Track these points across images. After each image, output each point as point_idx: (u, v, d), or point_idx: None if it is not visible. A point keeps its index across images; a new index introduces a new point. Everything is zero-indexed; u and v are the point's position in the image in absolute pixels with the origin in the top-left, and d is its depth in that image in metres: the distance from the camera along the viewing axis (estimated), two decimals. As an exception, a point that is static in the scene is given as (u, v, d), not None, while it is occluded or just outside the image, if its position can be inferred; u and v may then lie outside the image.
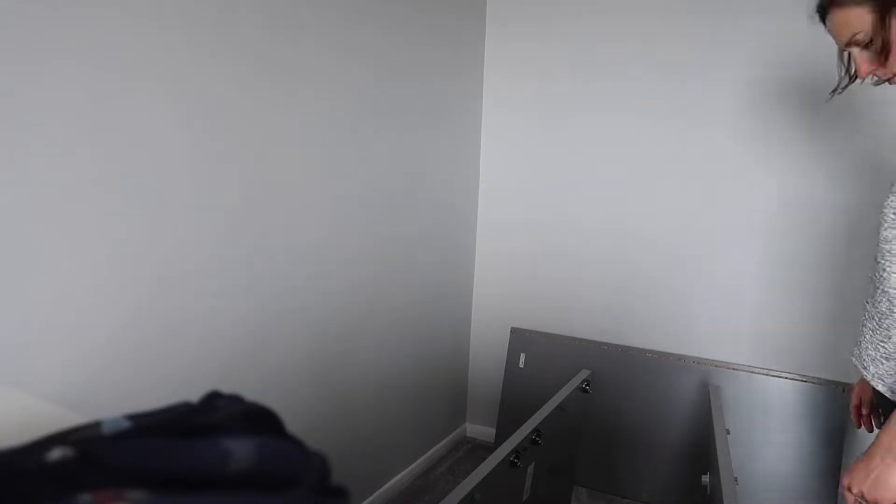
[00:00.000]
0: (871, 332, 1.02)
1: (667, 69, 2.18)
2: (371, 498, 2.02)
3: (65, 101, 1.03)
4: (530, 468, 1.45)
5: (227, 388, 0.36)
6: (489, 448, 2.44)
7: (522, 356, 2.43)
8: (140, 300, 1.20)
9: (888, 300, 0.96)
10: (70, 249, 1.06)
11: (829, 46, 1.01)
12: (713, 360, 2.15)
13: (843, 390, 1.92)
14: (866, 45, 0.93)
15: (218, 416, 0.32)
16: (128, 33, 1.12)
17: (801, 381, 1.99)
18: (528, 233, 2.50)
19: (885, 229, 0.97)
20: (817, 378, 1.99)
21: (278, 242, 1.53)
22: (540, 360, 2.39)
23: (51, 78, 1.01)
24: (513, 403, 2.40)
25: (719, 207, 2.13)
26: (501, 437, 2.37)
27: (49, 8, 0.99)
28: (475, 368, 2.68)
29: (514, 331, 2.48)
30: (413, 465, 2.26)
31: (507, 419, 2.41)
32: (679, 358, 2.16)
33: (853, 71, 1.02)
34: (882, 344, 0.98)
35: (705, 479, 1.88)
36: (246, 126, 1.40)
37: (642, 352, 2.23)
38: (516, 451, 1.32)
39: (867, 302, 1.04)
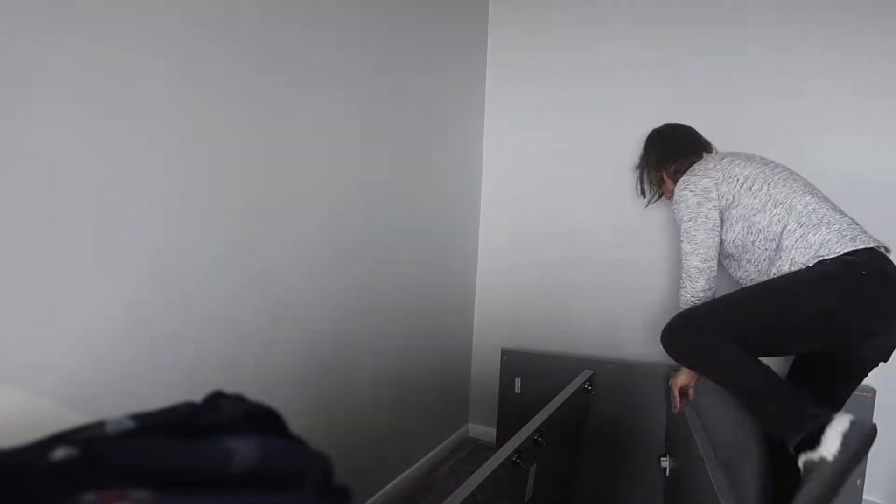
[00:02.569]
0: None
1: (667, 72, 2.18)
2: (374, 498, 2.02)
3: (67, 102, 1.04)
4: (532, 468, 1.45)
5: (230, 387, 0.36)
6: (491, 448, 2.44)
7: (518, 381, 2.17)
8: (143, 299, 1.20)
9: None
10: (73, 249, 1.07)
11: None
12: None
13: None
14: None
15: (221, 415, 0.32)
16: (131, 39, 1.13)
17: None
18: (530, 233, 2.50)
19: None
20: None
21: (280, 244, 1.53)
22: (537, 383, 2.12)
23: (53, 79, 1.01)
24: (511, 428, 2.18)
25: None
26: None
27: (55, 9, 1.00)
28: (477, 369, 2.68)
29: (505, 353, 2.21)
30: (415, 466, 2.26)
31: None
32: (677, 369, 2.08)
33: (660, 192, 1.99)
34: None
35: (664, 461, 1.85)
36: (248, 130, 1.40)
37: (645, 366, 2.09)
38: (518, 452, 1.32)
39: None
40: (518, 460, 1.32)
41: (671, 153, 1.84)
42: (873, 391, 1.81)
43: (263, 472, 0.27)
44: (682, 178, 1.68)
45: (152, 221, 1.20)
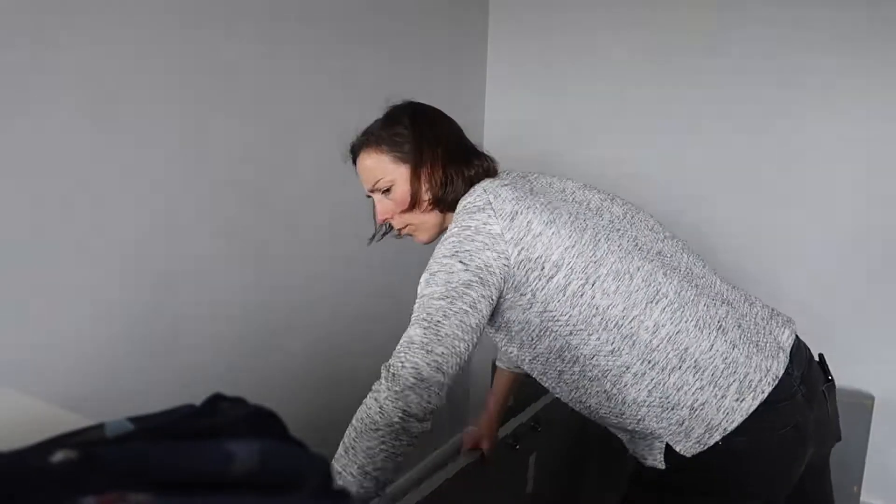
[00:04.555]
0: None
1: (668, 70, 2.17)
2: (373, 500, 2.01)
3: (65, 101, 1.04)
4: (532, 457, 1.44)
5: (229, 390, 0.36)
6: (492, 450, 2.42)
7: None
8: (143, 301, 1.20)
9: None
10: (72, 251, 1.07)
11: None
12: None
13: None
14: (386, 192, 0.97)
15: (221, 418, 0.32)
16: (128, 35, 1.13)
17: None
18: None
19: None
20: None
21: (280, 247, 1.53)
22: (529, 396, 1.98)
23: (52, 79, 1.01)
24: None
25: (724, 218, 2.12)
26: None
27: (52, 13, 1.00)
28: (478, 371, 2.67)
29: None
30: (415, 468, 2.25)
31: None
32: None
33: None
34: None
35: None
36: (246, 126, 1.40)
37: None
38: (515, 435, 1.31)
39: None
40: (514, 443, 1.30)
41: (462, 153, 1.00)
42: (872, 398, 1.82)
43: (263, 474, 0.27)
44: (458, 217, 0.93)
45: (151, 224, 1.20)
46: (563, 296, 0.85)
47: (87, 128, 1.07)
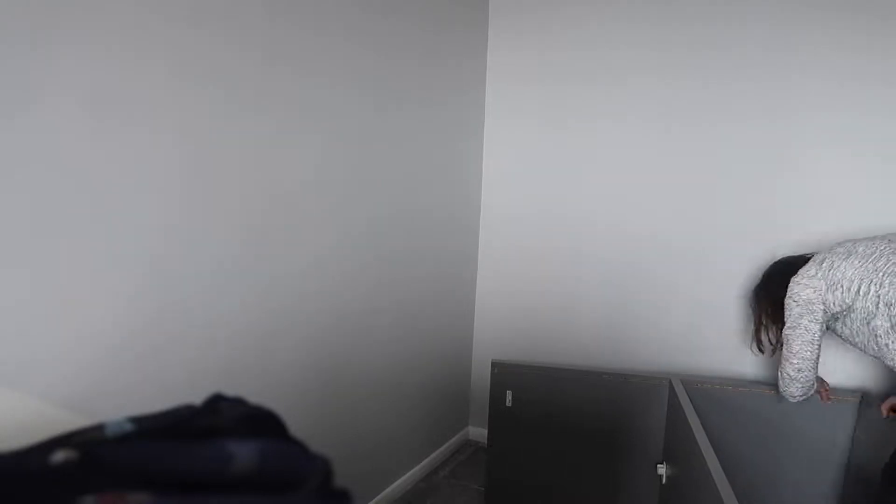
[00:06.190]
0: None
1: (667, 71, 2.18)
2: (374, 501, 2.01)
3: (67, 105, 1.04)
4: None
5: (230, 390, 0.36)
6: (492, 451, 2.43)
7: (509, 394, 2.07)
8: (143, 301, 1.20)
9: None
10: (74, 252, 1.07)
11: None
12: (729, 380, 2.13)
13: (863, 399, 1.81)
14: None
15: (221, 418, 0.32)
16: (130, 39, 1.13)
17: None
18: (532, 232, 2.50)
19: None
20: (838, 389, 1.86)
21: (282, 247, 1.53)
22: (529, 397, 2.05)
23: (53, 81, 1.01)
24: (503, 443, 2.09)
25: (723, 222, 2.12)
26: (492, 491, 2.10)
27: (53, 14, 1.00)
28: (478, 371, 2.67)
29: (496, 365, 2.10)
30: (416, 469, 2.25)
31: (498, 468, 2.07)
32: (675, 376, 1.98)
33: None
34: None
35: (661, 468, 1.84)
36: (249, 132, 1.40)
37: (642, 375, 1.99)
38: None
39: None
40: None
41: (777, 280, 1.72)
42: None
43: (263, 475, 0.27)
44: (790, 282, 1.62)
45: (153, 223, 1.20)
46: None
47: (93, 128, 1.07)
